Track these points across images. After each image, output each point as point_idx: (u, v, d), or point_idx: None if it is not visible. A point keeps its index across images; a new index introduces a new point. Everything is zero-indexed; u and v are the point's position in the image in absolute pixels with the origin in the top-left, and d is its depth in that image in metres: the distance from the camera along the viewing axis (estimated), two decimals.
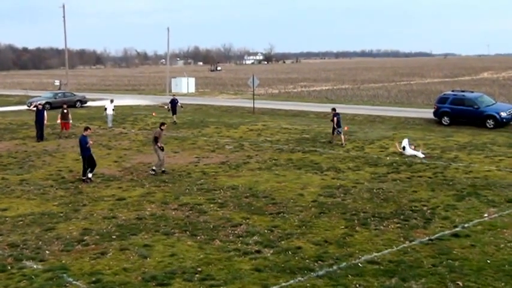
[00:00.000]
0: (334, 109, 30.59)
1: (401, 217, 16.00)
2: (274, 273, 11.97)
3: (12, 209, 17.58)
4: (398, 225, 15.31)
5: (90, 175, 21.46)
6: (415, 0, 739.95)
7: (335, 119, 29.36)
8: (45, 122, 32.87)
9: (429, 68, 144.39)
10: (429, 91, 66.70)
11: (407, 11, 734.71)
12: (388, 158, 25.10)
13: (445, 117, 37.32)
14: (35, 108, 34.91)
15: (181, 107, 41.71)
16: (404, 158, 24.74)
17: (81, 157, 21.83)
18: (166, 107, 40.90)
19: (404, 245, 13.68)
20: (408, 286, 11.25)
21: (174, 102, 40.19)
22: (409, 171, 22.23)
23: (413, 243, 13.85)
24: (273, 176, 21.86)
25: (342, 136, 29.39)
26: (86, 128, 22.25)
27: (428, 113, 40.76)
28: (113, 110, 39.56)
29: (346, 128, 35.17)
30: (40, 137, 32.24)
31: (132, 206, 17.74)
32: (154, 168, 22.52)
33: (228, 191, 19.40)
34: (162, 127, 23.23)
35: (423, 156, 25.04)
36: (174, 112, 40.15)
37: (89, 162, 21.47)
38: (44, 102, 54.34)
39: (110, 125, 38.70)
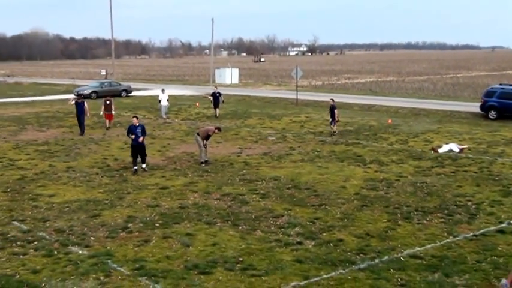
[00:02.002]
0: (333, 99, 31.43)
1: (445, 212, 15.77)
2: (315, 265, 11.95)
3: (59, 196, 17.93)
4: (442, 220, 15.10)
5: (144, 166, 21.30)
6: None
7: (335, 111, 30.01)
8: (87, 114, 31.94)
9: (476, 61, 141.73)
10: (476, 84, 65.50)
11: (454, 3, 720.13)
12: (432, 152, 24.74)
13: (492, 112, 36.58)
14: (73, 102, 33.64)
15: (223, 102, 40.37)
16: (449, 153, 24.35)
17: (135, 145, 21.27)
18: (209, 97, 40.36)
19: (448, 240, 13.49)
20: (451, 282, 11.09)
21: (216, 95, 39.07)
22: (454, 166, 21.87)
23: (457, 238, 13.64)
24: (315, 167, 21.79)
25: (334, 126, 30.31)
26: (134, 117, 22.38)
27: (475, 107, 40.06)
28: (168, 100, 38.92)
29: (389, 121, 34.85)
30: (82, 131, 31.06)
31: (175, 194, 17.91)
32: (202, 160, 22.57)
33: (270, 182, 19.42)
34: (216, 131, 23.21)
35: (458, 150, 24.56)
36: (216, 105, 39.12)
37: (137, 152, 21.27)
38: (90, 91, 55.45)
39: (163, 116, 38.12)
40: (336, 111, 29.98)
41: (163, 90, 39.23)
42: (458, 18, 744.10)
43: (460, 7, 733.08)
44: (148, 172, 21.11)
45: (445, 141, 26.99)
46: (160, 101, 38.65)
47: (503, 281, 7.59)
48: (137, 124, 21.34)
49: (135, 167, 21.12)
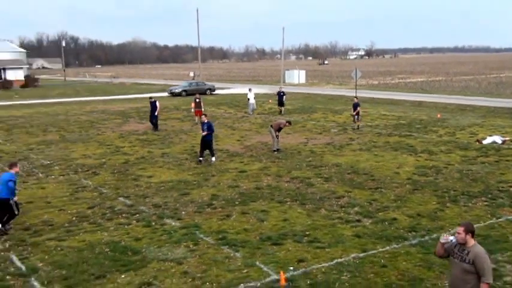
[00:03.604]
0: (356, 97, 30.65)
1: (489, 196, 15.20)
2: (372, 240, 11.80)
3: (156, 176, 18.36)
4: (486, 203, 14.57)
5: (212, 158, 20.59)
6: None
7: (358, 108, 29.09)
8: (156, 112, 30.20)
9: None
10: None
11: (497, 9, 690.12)
12: (477, 143, 23.88)
13: None
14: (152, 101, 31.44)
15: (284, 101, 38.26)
16: (493, 144, 23.45)
17: (201, 139, 20.75)
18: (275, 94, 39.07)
19: (491, 221, 13.00)
20: (494, 258, 10.69)
21: (280, 94, 37.73)
22: (497, 156, 21.04)
23: (500, 220, 13.13)
24: (372, 156, 21.45)
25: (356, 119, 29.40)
26: (203, 115, 22.14)
27: None
28: (254, 98, 38.02)
29: (438, 116, 33.86)
30: (155, 126, 30.07)
31: (252, 177, 18.01)
32: (274, 149, 22.54)
33: (333, 168, 19.25)
34: (287, 124, 23.18)
35: (501, 142, 23.59)
36: (280, 104, 37.54)
37: (202, 145, 20.68)
38: (180, 90, 56.48)
39: (250, 112, 37.13)
40: (358, 108, 29.07)
41: (250, 90, 38.43)
42: (501, 23, 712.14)
43: (503, 13, 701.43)
44: (229, 158, 21.32)
45: (489, 134, 26.00)
46: (248, 99, 37.88)
47: (451, 237, 6.83)
48: (205, 121, 20.83)
49: (200, 158, 20.49)
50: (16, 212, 12.87)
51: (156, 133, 28.72)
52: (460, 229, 6.76)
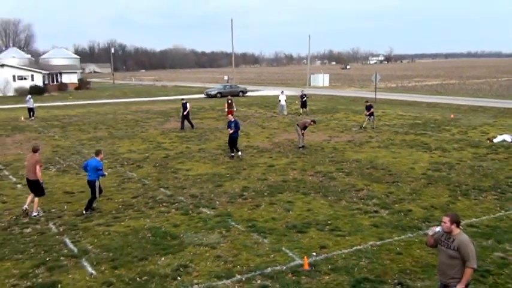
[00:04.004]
0: (367, 101, 29.88)
1: (498, 190, 14.86)
2: (388, 229, 11.67)
3: (193, 170, 18.48)
4: (495, 197, 14.25)
5: (239, 153, 20.58)
6: None
7: (372, 109, 28.46)
8: (185, 112, 29.56)
9: None
10: None
11: (509, 16, 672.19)
12: (488, 141, 23.36)
13: None
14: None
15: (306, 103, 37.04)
16: (503, 142, 22.91)
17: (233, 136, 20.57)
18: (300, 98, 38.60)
19: (500, 214, 12.71)
20: (502, 247, 10.48)
21: (302, 97, 36.82)
22: (507, 153, 20.54)
23: (508, 212, 12.83)
24: (389, 152, 21.18)
25: (372, 122, 28.74)
26: (229, 114, 21.99)
27: None
28: (286, 100, 37.25)
29: (452, 116, 33.23)
30: (189, 125, 29.73)
31: (279, 171, 17.98)
32: (300, 145, 22.46)
33: (353, 163, 19.09)
34: (312, 123, 23.06)
35: (511, 140, 23.00)
36: (303, 106, 36.55)
37: (229, 141, 20.61)
38: (216, 92, 56.71)
39: (285, 113, 36.24)
40: (372, 109, 28.48)
41: (282, 92, 37.80)
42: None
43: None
44: (259, 154, 21.33)
45: (499, 133, 25.42)
46: (279, 100, 37.34)
47: (437, 228, 6.79)
48: (232, 120, 20.76)
49: (231, 154, 20.46)
50: (97, 195, 13.47)
51: (182, 131, 28.62)
52: (446, 219, 6.77)
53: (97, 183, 13.39)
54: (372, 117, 28.73)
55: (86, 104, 51.36)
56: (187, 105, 30.05)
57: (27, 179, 13.42)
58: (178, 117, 36.01)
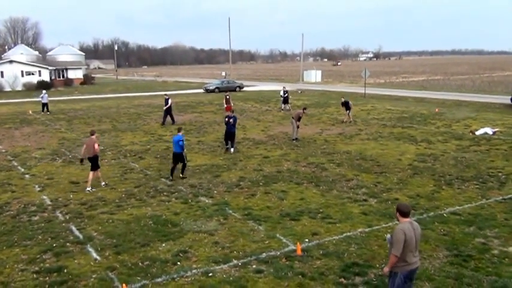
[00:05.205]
0: (343, 97, 30.33)
1: (480, 180, 14.92)
2: (377, 217, 11.69)
3: (192, 161, 18.38)
4: (477, 186, 14.31)
5: (232, 149, 19.89)
6: (494, 5, 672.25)
7: (349, 104, 28.40)
8: (166, 107, 28.69)
9: (508, 64, 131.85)
10: (507, 82, 61.27)
11: (491, 15, 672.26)
12: (470, 134, 23.41)
13: None
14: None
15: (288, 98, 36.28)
16: (485, 135, 22.97)
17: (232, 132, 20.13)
18: (299, 92, 38.68)
19: (482, 202, 12.77)
20: (484, 233, 10.53)
21: (284, 93, 35.56)
22: (488, 145, 20.62)
23: (489, 201, 12.89)
24: (378, 144, 21.21)
25: (349, 115, 28.55)
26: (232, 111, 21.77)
27: (506, 99, 37.56)
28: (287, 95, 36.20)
29: (437, 110, 33.26)
30: (170, 121, 28.86)
31: (274, 162, 17.98)
32: (293, 138, 22.38)
33: (344, 155, 19.11)
34: (304, 111, 22.93)
35: (492, 133, 23.07)
36: (285, 102, 35.62)
37: (226, 136, 20.18)
38: (214, 87, 56.50)
39: (287, 107, 35.29)
40: (349, 104, 28.30)
41: (284, 87, 37.25)
42: (494, 28, 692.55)
43: (496, 19, 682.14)
44: (255, 146, 21.31)
45: (481, 126, 25.48)
46: (281, 96, 36.78)
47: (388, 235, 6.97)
48: (231, 115, 20.16)
49: (227, 146, 20.07)
50: (186, 161, 15.79)
51: (193, 124, 28.69)
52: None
53: (184, 154, 15.45)
54: (348, 111, 28.54)
55: (91, 98, 51.14)
56: (169, 100, 28.98)
57: (88, 158, 14.72)
58: (178, 110, 35.94)
